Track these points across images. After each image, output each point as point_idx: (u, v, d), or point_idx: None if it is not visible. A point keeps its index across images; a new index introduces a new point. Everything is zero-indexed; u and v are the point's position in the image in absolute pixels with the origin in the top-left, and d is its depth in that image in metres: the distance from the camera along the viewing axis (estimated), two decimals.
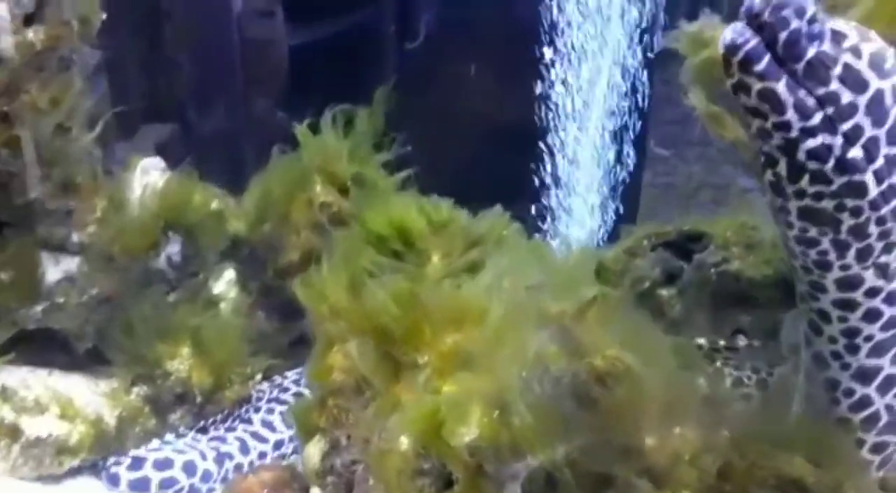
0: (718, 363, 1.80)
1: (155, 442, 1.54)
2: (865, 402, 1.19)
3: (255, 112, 4.10)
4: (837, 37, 1.01)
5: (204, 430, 1.61)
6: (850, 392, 1.19)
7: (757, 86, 0.99)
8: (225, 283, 1.96)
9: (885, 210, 1.04)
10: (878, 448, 1.22)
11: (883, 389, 1.18)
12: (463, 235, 1.31)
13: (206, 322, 1.65)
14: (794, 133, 1.00)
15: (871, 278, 1.11)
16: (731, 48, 0.98)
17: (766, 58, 0.98)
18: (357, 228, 1.31)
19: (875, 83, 1.01)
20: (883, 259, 1.10)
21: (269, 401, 1.74)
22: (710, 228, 2.01)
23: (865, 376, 1.17)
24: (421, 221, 1.27)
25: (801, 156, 1.02)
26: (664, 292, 2.09)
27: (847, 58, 1.00)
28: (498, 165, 2.98)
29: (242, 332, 1.75)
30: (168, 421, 1.59)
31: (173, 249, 1.70)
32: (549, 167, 3.11)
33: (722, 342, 1.83)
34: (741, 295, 1.95)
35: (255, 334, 1.87)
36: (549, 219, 3.09)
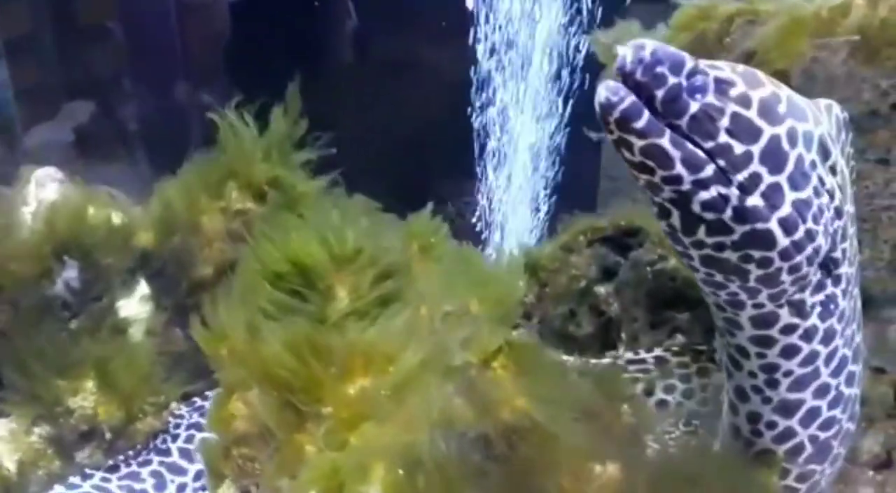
0: (651, 375, 1.80)
1: (58, 488, 1.47)
2: (789, 434, 1.19)
3: (180, 96, 3.91)
4: (723, 86, 0.97)
5: (115, 468, 1.54)
6: (772, 425, 1.19)
7: (639, 143, 0.95)
8: (137, 300, 1.88)
9: (799, 258, 1.01)
10: (803, 477, 1.23)
11: (806, 421, 1.18)
12: (372, 265, 1.25)
13: (111, 351, 1.57)
14: (685, 186, 0.97)
15: (786, 316, 1.09)
16: (606, 107, 0.93)
17: (645, 115, 0.94)
18: (254, 262, 1.23)
19: (768, 130, 0.98)
20: (797, 297, 1.08)
21: (189, 427, 1.68)
22: (645, 222, 1.99)
23: (787, 409, 1.17)
24: (322, 255, 1.20)
25: (695, 207, 0.99)
26: (601, 290, 2.08)
27: (735, 108, 0.96)
28: (436, 152, 2.92)
29: (155, 356, 1.68)
30: (75, 461, 1.52)
31: (71, 273, 1.61)
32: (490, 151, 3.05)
33: (656, 352, 1.82)
34: (678, 294, 1.95)
35: (172, 354, 1.81)
36: (491, 206, 3.05)
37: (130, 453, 1.57)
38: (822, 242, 1.03)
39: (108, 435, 1.53)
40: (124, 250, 1.75)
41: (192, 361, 1.89)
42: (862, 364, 1.24)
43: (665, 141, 0.95)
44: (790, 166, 0.99)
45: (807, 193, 1.01)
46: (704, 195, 0.97)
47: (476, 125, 2.96)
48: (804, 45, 1.24)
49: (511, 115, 2.96)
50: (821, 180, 1.02)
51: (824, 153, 1.04)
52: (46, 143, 4.00)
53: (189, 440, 1.65)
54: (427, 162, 2.98)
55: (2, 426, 1.50)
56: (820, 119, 1.06)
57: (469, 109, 2.98)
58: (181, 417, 1.70)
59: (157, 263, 1.87)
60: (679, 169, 0.96)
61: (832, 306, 1.10)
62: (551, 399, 1.04)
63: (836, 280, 1.10)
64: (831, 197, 1.05)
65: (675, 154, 0.95)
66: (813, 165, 1.02)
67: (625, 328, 1.99)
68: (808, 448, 1.20)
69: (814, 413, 1.18)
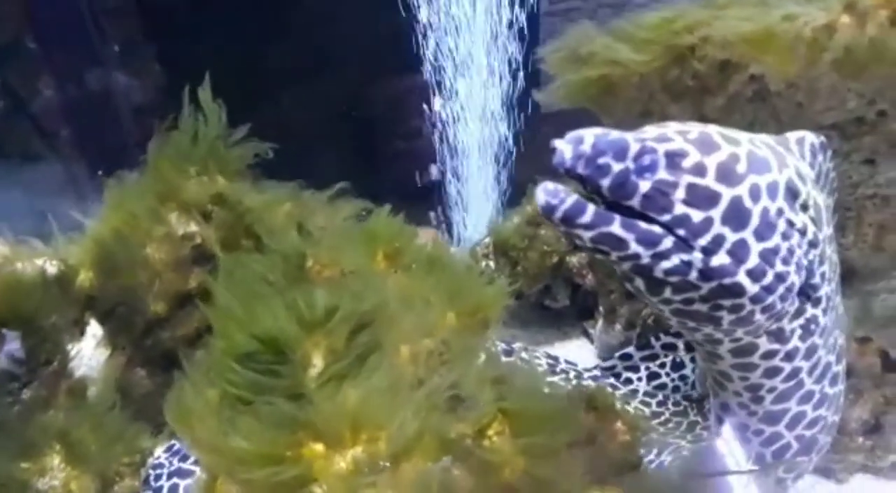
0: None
1: None
2: (776, 438, 1.23)
3: (96, 75, 3.60)
4: (674, 159, 0.97)
5: None
6: (759, 432, 1.23)
7: (587, 235, 0.97)
8: (93, 344, 1.80)
9: (771, 299, 1.03)
10: (791, 468, 1.28)
11: (791, 425, 1.22)
12: (346, 321, 1.19)
13: (73, 419, 1.51)
14: (644, 260, 0.99)
15: (765, 344, 1.11)
16: (548, 210, 0.96)
17: (589, 210, 0.95)
18: (218, 341, 1.16)
19: (728, 193, 0.98)
20: (775, 327, 1.09)
21: (170, 476, 1.65)
22: None
23: (773, 418, 1.21)
24: (291, 324, 1.14)
25: (658, 274, 1.00)
26: (574, 260, 2.07)
27: (689, 178, 0.97)
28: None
29: (120, 410, 1.62)
30: None
31: (13, 345, 1.51)
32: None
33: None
34: None
35: (137, 397, 1.75)
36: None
37: None
38: (794, 280, 1.05)
39: None
40: (66, 302, 1.65)
41: (159, 398, 1.84)
42: (845, 361, 1.28)
43: (615, 227, 0.96)
44: (755, 221, 1.00)
45: (774, 240, 1.02)
46: (666, 264, 0.99)
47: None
48: (781, 55, 1.19)
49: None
50: (789, 223, 1.03)
51: (793, 195, 1.05)
52: None
53: (173, 490, 1.62)
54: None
55: None
56: (786, 162, 1.06)
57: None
58: (161, 466, 1.66)
59: (105, 304, 1.78)
60: (635, 248, 0.98)
61: (812, 326, 1.13)
62: (548, 450, 1.03)
63: (816, 302, 1.12)
64: (803, 233, 1.05)
65: (629, 236, 0.97)
66: (780, 212, 1.02)
67: (602, 301, 2.00)
68: (795, 446, 1.25)
69: (799, 417, 1.22)
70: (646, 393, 1.86)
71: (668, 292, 1.02)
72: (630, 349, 1.90)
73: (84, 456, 1.50)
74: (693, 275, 0.99)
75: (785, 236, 1.03)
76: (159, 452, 1.68)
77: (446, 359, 1.30)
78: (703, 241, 0.98)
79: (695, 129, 1.01)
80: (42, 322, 1.56)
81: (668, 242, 0.97)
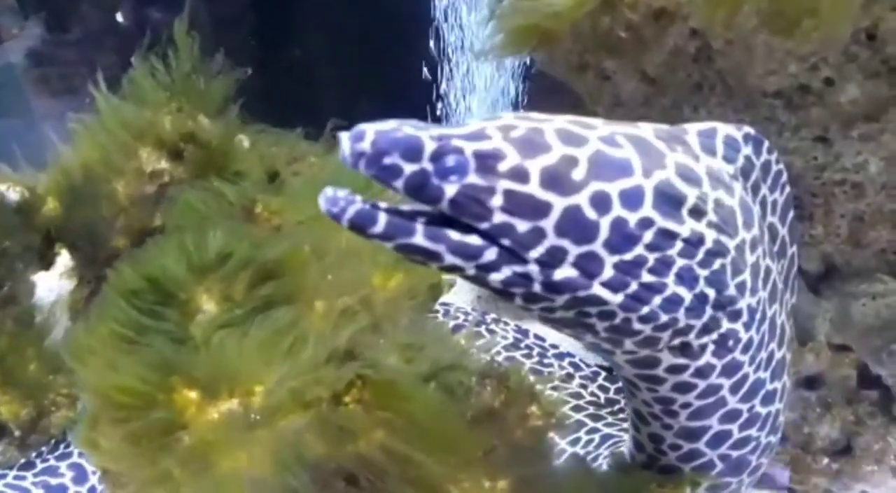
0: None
1: None
2: (695, 454, 1.13)
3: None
4: (488, 162, 0.84)
5: (30, 465, 1.57)
6: (676, 447, 1.13)
7: (390, 244, 0.84)
8: (57, 274, 1.86)
9: (647, 309, 0.91)
10: (717, 488, 1.18)
11: (714, 443, 1.12)
12: (244, 268, 1.17)
13: (14, 345, 1.56)
14: (470, 272, 0.86)
15: (669, 358, 1.00)
16: (333, 217, 0.83)
17: (380, 219, 0.83)
18: (114, 278, 1.17)
19: (560, 202, 0.85)
20: (677, 341, 0.97)
21: None
22: None
23: (691, 434, 1.10)
24: (180, 266, 1.13)
25: (497, 286, 0.88)
26: None
27: (507, 184, 0.84)
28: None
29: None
30: None
31: None
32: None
33: None
34: None
35: None
36: None
37: (44, 448, 1.59)
38: (677, 291, 0.92)
39: (17, 433, 1.54)
40: (25, 229, 1.70)
41: None
42: (788, 376, 1.16)
43: (418, 239, 0.84)
44: (604, 233, 0.87)
45: (635, 252, 0.89)
46: (498, 277, 0.87)
47: None
48: (715, 6, 1.06)
49: None
50: (665, 233, 0.89)
51: (673, 201, 0.90)
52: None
53: None
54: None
55: None
56: (663, 162, 0.90)
57: None
58: None
59: (69, 236, 1.82)
60: (451, 260, 0.86)
61: (731, 342, 1.00)
62: (418, 428, 0.99)
63: (734, 316, 0.99)
64: (693, 243, 0.92)
65: (438, 247, 0.85)
66: (646, 222, 0.88)
67: None
68: (720, 465, 1.15)
69: (723, 436, 1.11)
70: (606, 378, 1.79)
71: (520, 301, 0.90)
72: None
73: (19, 382, 1.56)
74: (537, 288, 0.88)
75: (653, 248, 0.89)
76: None
77: (360, 319, 1.27)
78: (535, 253, 0.86)
79: (524, 124, 0.87)
80: None
81: (490, 253, 0.85)
